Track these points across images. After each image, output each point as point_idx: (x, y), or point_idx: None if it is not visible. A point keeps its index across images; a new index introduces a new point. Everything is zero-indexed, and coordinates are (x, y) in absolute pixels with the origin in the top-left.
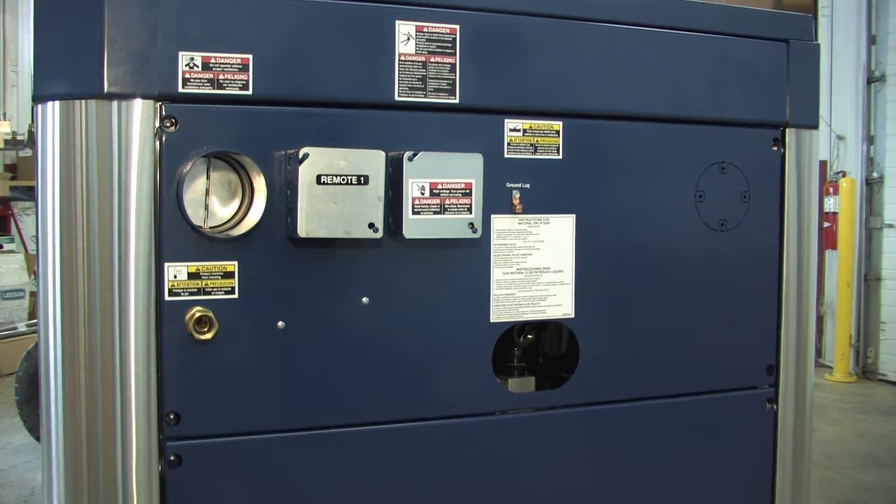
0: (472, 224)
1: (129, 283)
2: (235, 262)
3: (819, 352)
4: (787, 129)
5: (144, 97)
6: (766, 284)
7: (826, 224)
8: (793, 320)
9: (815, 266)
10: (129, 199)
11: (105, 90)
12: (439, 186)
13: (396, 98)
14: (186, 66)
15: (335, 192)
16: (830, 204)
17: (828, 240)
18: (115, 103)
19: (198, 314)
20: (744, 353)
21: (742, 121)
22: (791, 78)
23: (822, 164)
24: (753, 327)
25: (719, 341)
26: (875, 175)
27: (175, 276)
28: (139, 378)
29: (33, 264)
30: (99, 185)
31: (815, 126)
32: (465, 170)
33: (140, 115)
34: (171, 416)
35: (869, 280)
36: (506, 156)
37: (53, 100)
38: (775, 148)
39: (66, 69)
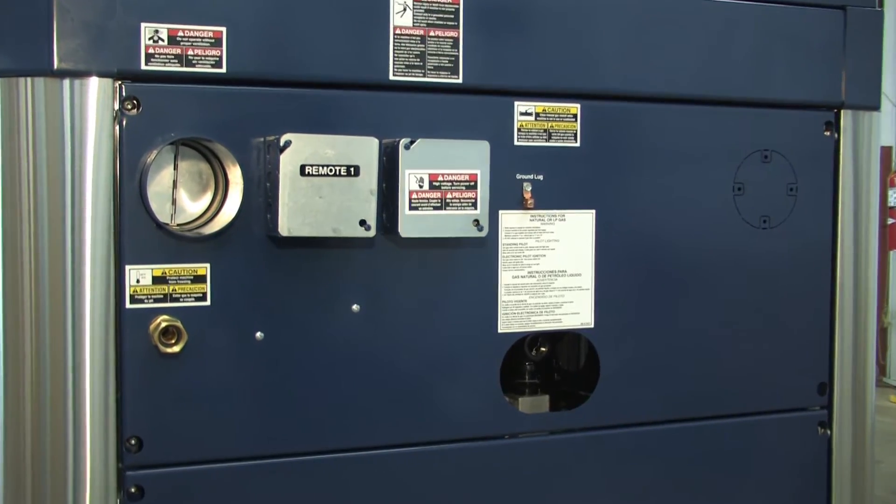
0: (477, 221)
1: (85, 288)
2: (207, 265)
3: (882, 369)
4: (843, 111)
5: (101, 75)
6: (817, 290)
7: (890, 220)
8: (849, 332)
9: (876, 269)
10: (84, 192)
11: (55, 66)
12: (440, 178)
13: (391, 77)
14: (150, 39)
15: (321, 184)
16: (895, 197)
17: (892, 239)
18: (66, 82)
19: (164, 324)
20: (791, 370)
21: (789, 102)
22: (848, 51)
23: (886, 150)
24: (802, 340)
25: (762, 356)
26: None
27: (138, 281)
28: (95, 398)
29: None
30: (49, 177)
31: (877, 107)
32: (470, 159)
33: (96, 95)
34: (132, 442)
35: None
36: (516, 143)
37: None
38: (828, 133)
39: (8, 41)
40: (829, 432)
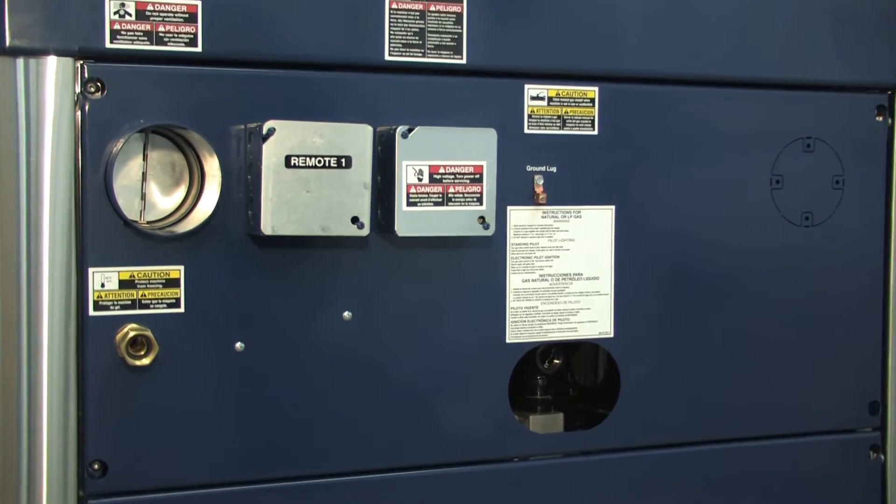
0: (482, 218)
1: (42, 294)
2: (181, 267)
3: None
4: None
5: (60, 54)
6: (867, 296)
7: None
8: None
9: None
10: (41, 185)
11: (7, 44)
12: (441, 170)
13: (387, 58)
14: (115, 14)
15: (309, 177)
16: None
17: None
18: (20, 61)
19: (132, 334)
20: (838, 386)
21: (835, 83)
22: None
23: None
24: (850, 352)
25: (805, 370)
26: None
27: (103, 285)
28: (53, 417)
29: None
30: (1, 168)
31: None
32: (475, 149)
33: (55, 76)
34: (96, 467)
35: None
36: (526, 131)
37: None
38: (880, 118)
39: None
40: (882, 457)
